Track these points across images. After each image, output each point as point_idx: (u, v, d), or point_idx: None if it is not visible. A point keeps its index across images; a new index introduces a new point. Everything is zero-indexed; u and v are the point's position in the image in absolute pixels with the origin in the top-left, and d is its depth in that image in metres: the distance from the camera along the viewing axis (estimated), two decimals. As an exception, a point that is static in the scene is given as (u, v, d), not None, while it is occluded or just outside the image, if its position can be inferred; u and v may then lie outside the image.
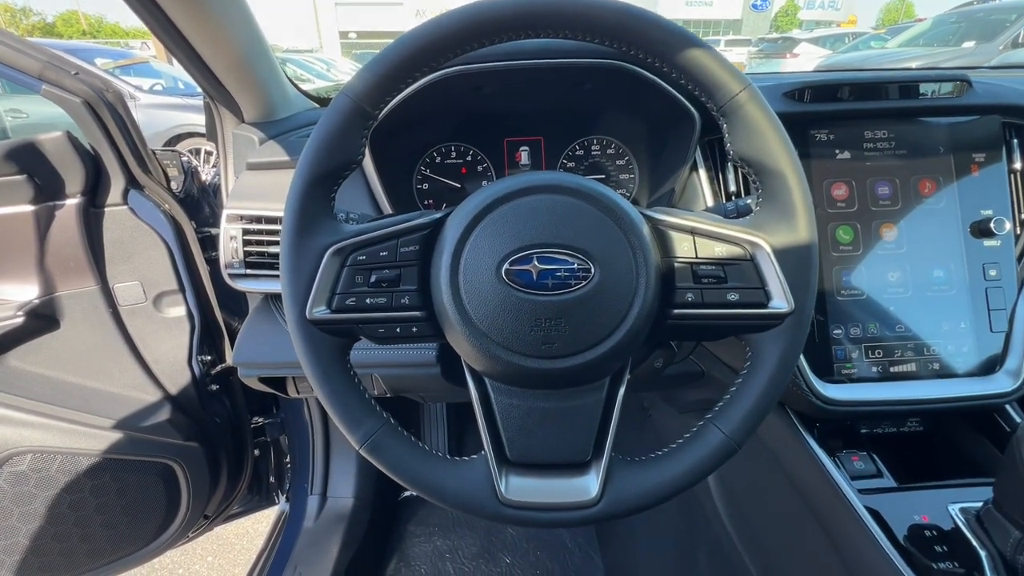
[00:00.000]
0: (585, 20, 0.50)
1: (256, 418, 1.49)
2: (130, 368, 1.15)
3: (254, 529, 1.81)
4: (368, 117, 0.54)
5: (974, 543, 0.62)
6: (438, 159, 0.99)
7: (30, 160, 0.95)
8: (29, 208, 0.98)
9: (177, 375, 1.21)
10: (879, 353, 0.80)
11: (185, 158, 1.15)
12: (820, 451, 0.77)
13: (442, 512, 1.65)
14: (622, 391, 0.56)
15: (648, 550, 1.35)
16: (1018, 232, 0.81)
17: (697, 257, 0.54)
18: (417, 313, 0.55)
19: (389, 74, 0.52)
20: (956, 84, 0.81)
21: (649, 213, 0.55)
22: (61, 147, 0.97)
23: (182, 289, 1.16)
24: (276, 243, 0.88)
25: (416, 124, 0.91)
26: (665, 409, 1.36)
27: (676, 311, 0.54)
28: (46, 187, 0.98)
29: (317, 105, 1.27)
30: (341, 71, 10.37)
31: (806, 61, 10.34)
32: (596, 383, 0.55)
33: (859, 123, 0.82)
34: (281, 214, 0.56)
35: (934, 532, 0.67)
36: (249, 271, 0.90)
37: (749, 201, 0.63)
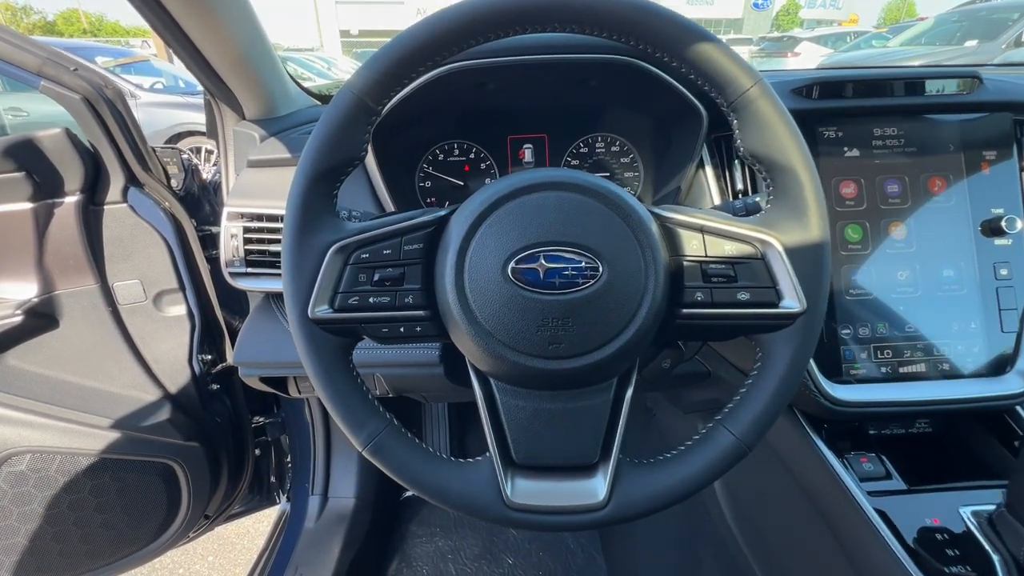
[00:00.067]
0: (593, 14, 0.49)
1: (257, 417, 1.48)
2: (130, 367, 1.14)
3: (255, 528, 1.81)
4: (371, 113, 0.53)
5: (987, 547, 0.61)
6: (441, 156, 0.98)
7: (29, 157, 0.94)
8: (28, 206, 0.97)
9: (177, 374, 1.19)
10: (888, 353, 0.79)
11: (185, 155, 1.14)
12: (828, 452, 0.76)
13: (444, 512, 1.64)
14: (630, 392, 0.55)
15: (651, 551, 1.34)
16: None
17: (706, 256, 0.53)
18: (421, 312, 0.54)
19: (393, 69, 0.51)
20: (967, 80, 0.80)
21: (657, 211, 0.54)
22: (60, 144, 0.96)
23: (182, 288, 1.15)
24: (277, 241, 0.87)
25: (418, 121, 0.90)
26: (669, 409, 1.35)
27: (685, 311, 0.53)
28: (45, 184, 0.97)
29: (319, 102, 1.26)
30: (342, 70, 10.35)
31: (807, 60, 10.31)
32: (603, 384, 0.54)
33: (868, 120, 0.81)
34: (282, 212, 0.55)
35: (945, 535, 0.66)
36: (250, 270, 0.90)
37: (758, 199, 0.62)
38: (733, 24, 39.94)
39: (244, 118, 1.07)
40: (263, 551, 1.50)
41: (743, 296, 0.52)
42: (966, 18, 6.77)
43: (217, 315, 1.22)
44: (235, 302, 1.25)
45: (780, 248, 0.52)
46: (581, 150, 0.98)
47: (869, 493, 0.71)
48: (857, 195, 0.80)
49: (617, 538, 1.47)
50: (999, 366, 0.78)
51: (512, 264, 0.50)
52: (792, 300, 0.51)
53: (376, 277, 0.53)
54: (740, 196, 0.83)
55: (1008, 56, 5.65)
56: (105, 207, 1.05)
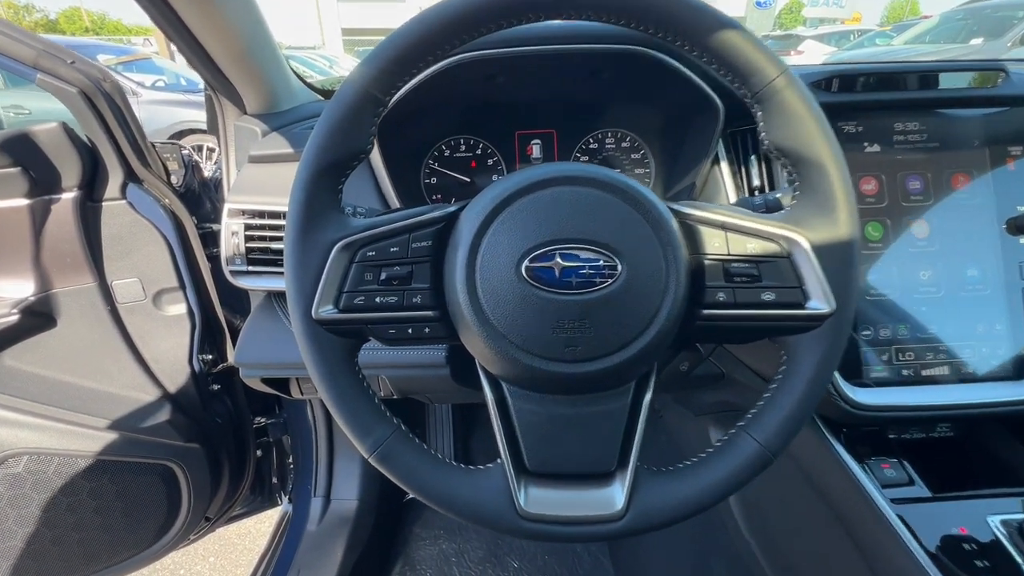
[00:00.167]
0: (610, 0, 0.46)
1: (258, 418, 1.46)
2: (129, 367, 1.12)
3: (256, 529, 1.79)
4: (378, 104, 0.50)
5: (1017, 558, 0.59)
6: (447, 152, 0.96)
7: (24, 152, 0.92)
8: (24, 202, 0.95)
9: (177, 374, 1.17)
10: (910, 356, 0.76)
11: (186, 151, 1.12)
12: (849, 458, 0.73)
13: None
14: (648, 396, 0.52)
15: (660, 557, 1.32)
16: None
17: (729, 254, 0.51)
18: (430, 313, 0.52)
19: (401, 58, 0.48)
20: (992, 74, 0.78)
21: (676, 207, 0.51)
22: (57, 139, 0.93)
23: (182, 286, 1.13)
24: (279, 239, 0.85)
25: (424, 115, 0.88)
26: (678, 411, 1.32)
27: (706, 311, 0.51)
28: (41, 180, 0.95)
29: (321, 98, 1.24)
30: (344, 68, 10.33)
31: (811, 59, 10.27)
32: (621, 388, 0.52)
33: (889, 115, 0.78)
34: (285, 208, 0.52)
35: (973, 545, 0.63)
36: (251, 268, 0.87)
37: (779, 195, 0.60)
38: (735, 22, 39.66)
39: (245, 113, 1.04)
40: (264, 553, 1.48)
41: (768, 296, 0.50)
42: (971, 16, 6.72)
43: (218, 314, 1.20)
44: (236, 301, 1.23)
45: (807, 246, 0.49)
46: (591, 146, 0.96)
47: (892, 500, 0.69)
48: (878, 192, 0.77)
49: (625, 543, 1.45)
50: None
51: (526, 262, 0.47)
52: (820, 301, 0.49)
53: (383, 276, 0.51)
54: (756, 193, 0.80)
55: (1014, 54, 5.61)
56: (103, 204, 1.03)
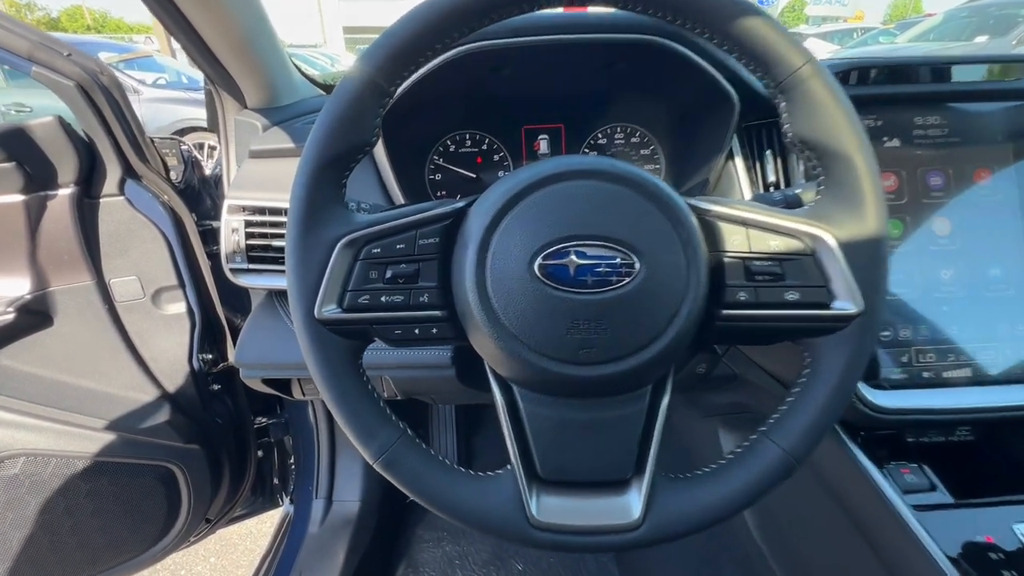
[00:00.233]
0: None
1: (259, 418, 1.44)
2: (127, 367, 1.10)
3: (258, 529, 1.77)
4: (384, 94, 0.48)
5: None
6: (452, 147, 0.94)
7: (19, 147, 0.90)
8: (19, 198, 0.93)
9: (177, 374, 1.15)
10: (930, 357, 0.74)
11: (185, 147, 1.10)
12: (868, 463, 0.71)
13: None
14: (666, 400, 0.50)
15: (668, 561, 1.30)
16: None
17: (750, 251, 0.48)
18: (437, 312, 0.50)
19: (409, 45, 0.46)
20: (1015, 66, 0.75)
21: (695, 202, 0.49)
22: (53, 133, 0.91)
23: (182, 284, 1.11)
24: (281, 236, 0.83)
25: (429, 109, 0.85)
26: (684, 412, 1.30)
27: (726, 312, 0.49)
28: (37, 176, 0.93)
29: (323, 92, 1.22)
30: (345, 67, 10.30)
31: (814, 57, 10.20)
32: (637, 392, 0.50)
33: (909, 108, 0.76)
34: (286, 205, 0.50)
35: (1000, 555, 0.61)
36: (252, 266, 0.85)
37: (799, 191, 0.58)
38: (738, 21, 39.54)
39: (246, 107, 1.02)
40: (265, 555, 1.46)
41: (791, 296, 0.48)
42: (976, 14, 6.68)
43: (218, 313, 1.18)
44: (237, 299, 1.21)
45: (833, 243, 0.47)
46: (599, 141, 0.94)
47: (914, 507, 0.67)
48: (897, 188, 0.75)
49: None
50: None
51: (539, 260, 0.45)
52: (846, 301, 0.47)
53: (388, 274, 0.49)
54: (772, 189, 0.78)
55: (1020, 53, 5.57)
56: (101, 200, 1.01)
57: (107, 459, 1.07)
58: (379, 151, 0.82)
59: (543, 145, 0.94)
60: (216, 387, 1.24)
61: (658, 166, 0.93)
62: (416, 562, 1.50)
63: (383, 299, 0.49)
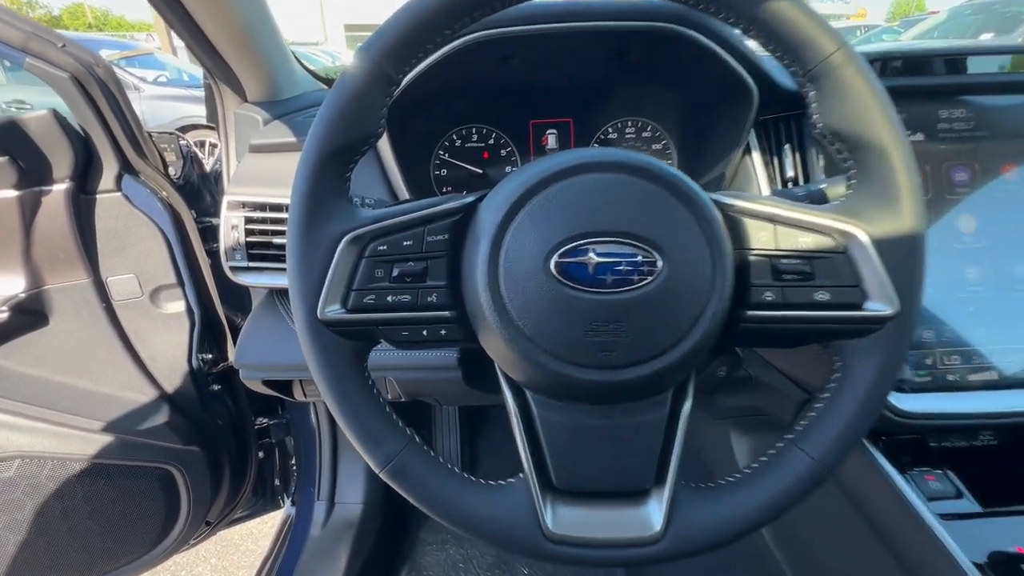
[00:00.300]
0: None
1: (260, 419, 1.42)
2: (125, 367, 1.08)
3: (259, 530, 1.75)
4: (391, 83, 0.45)
5: None
6: (458, 142, 0.91)
7: (12, 140, 0.87)
8: (13, 193, 0.90)
9: (176, 374, 1.13)
10: (955, 360, 0.71)
11: (184, 142, 1.07)
12: (892, 469, 0.68)
13: None
14: (688, 406, 0.48)
15: (678, 568, 1.27)
16: None
17: (778, 249, 0.46)
18: (446, 313, 0.47)
19: (418, 30, 0.44)
20: None
21: (718, 197, 0.46)
22: (47, 127, 0.89)
23: (181, 283, 1.08)
24: (282, 233, 0.80)
25: (435, 102, 0.83)
26: (694, 414, 1.27)
27: (751, 313, 0.46)
28: (31, 171, 0.90)
29: (325, 87, 1.19)
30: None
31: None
32: (658, 397, 0.47)
33: (934, 101, 0.73)
34: (287, 200, 0.48)
35: None
36: (252, 264, 0.83)
37: (824, 186, 0.55)
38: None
39: (246, 100, 0.99)
40: (266, 558, 1.44)
41: (821, 296, 0.45)
42: (980, 12, 6.64)
43: (218, 312, 1.16)
44: (237, 298, 1.18)
45: (866, 240, 0.44)
46: (609, 135, 0.91)
47: (940, 516, 0.64)
48: (921, 184, 0.72)
49: None
50: None
51: (556, 257, 0.43)
52: (880, 302, 0.44)
53: (395, 272, 0.46)
54: (790, 185, 0.75)
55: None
56: (97, 196, 0.98)
57: (104, 461, 1.05)
58: (383, 145, 0.80)
59: (551, 140, 0.91)
60: (216, 387, 1.22)
61: (670, 161, 0.91)
62: (419, 565, 1.48)
63: (389, 299, 0.47)
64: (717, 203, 0.46)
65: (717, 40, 0.70)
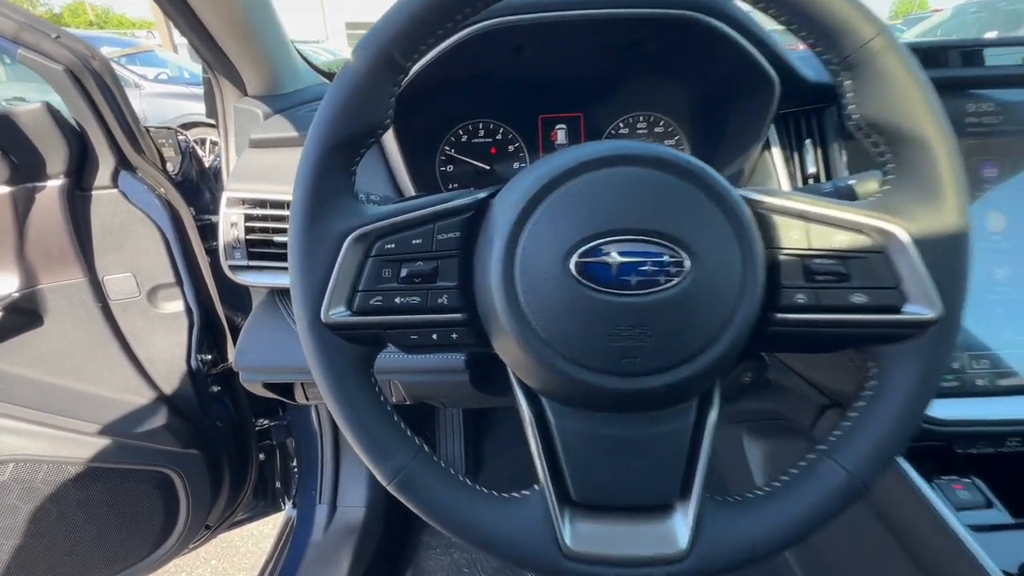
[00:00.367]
0: None
1: (261, 420, 1.40)
2: (122, 368, 1.05)
3: (260, 531, 1.73)
4: (399, 70, 0.43)
5: None
6: (464, 137, 0.89)
7: (4, 135, 0.85)
8: (5, 190, 0.88)
9: (174, 376, 1.11)
10: (984, 363, 0.68)
11: (182, 137, 1.05)
12: (918, 477, 0.66)
13: None
14: (714, 415, 0.45)
15: None
16: None
17: (810, 248, 0.43)
18: (458, 316, 0.45)
19: (429, 12, 0.41)
20: None
21: (745, 193, 0.44)
22: (40, 121, 0.86)
23: (179, 282, 1.06)
24: (283, 231, 0.78)
25: (442, 95, 0.80)
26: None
27: (780, 316, 0.43)
28: (24, 166, 0.88)
29: (328, 81, 1.16)
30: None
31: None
32: (683, 405, 0.44)
33: (960, 95, 0.70)
34: (289, 197, 0.45)
35: None
36: (252, 262, 0.81)
37: (852, 182, 0.52)
38: (742, 17, 39.56)
39: (246, 94, 0.97)
40: (267, 562, 1.41)
41: (858, 299, 0.42)
42: (985, 9, 6.60)
43: (218, 311, 1.14)
44: (237, 298, 1.16)
45: (907, 239, 0.41)
46: (620, 131, 0.88)
47: (971, 527, 0.61)
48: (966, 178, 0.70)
49: None
50: None
51: (576, 257, 0.40)
52: (921, 304, 0.41)
53: (403, 273, 0.44)
54: (811, 181, 0.73)
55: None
56: (93, 192, 0.96)
57: (101, 465, 1.03)
58: (388, 139, 0.77)
59: (560, 135, 0.89)
60: (216, 389, 1.20)
61: None
62: (423, 570, 1.45)
63: (397, 301, 0.44)
64: (745, 199, 0.43)
65: (739, 28, 0.67)
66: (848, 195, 0.51)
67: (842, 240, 0.43)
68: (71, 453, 1.01)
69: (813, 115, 0.73)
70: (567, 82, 0.84)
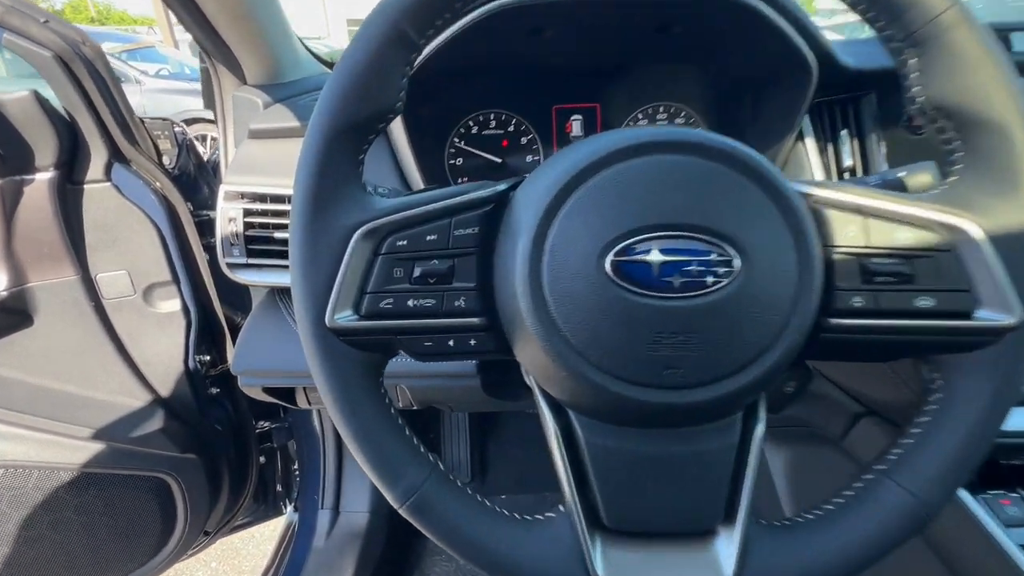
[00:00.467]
0: None
1: (261, 422, 1.36)
2: (117, 370, 1.02)
3: (261, 533, 1.68)
4: (412, 48, 0.39)
5: None
6: (475, 129, 0.85)
7: None
8: None
9: (171, 378, 1.07)
10: None
11: (179, 128, 1.00)
12: (964, 491, 0.61)
13: None
14: (760, 429, 0.40)
15: None
16: None
17: (869, 246, 0.39)
18: (476, 320, 0.41)
19: None
20: None
21: (798, 186, 0.39)
22: (28, 109, 0.82)
23: (176, 280, 1.02)
24: (284, 226, 0.74)
25: (452, 83, 0.76)
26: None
27: (834, 321, 0.39)
28: (11, 158, 0.84)
29: (330, 71, 1.12)
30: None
31: (826, 49, 10.12)
32: (726, 420, 0.40)
33: None
34: (290, 191, 0.41)
35: None
36: (252, 260, 0.76)
37: (901, 175, 0.48)
38: (745, 14, 39.43)
39: (245, 83, 0.93)
40: (268, 567, 1.38)
41: (924, 303, 0.38)
42: (992, 6, 6.54)
43: (216, 311, 1.10)
44: (237, 296, 1.12)
45: (979, 236, 0.37)
46: (639, 122, 0.84)
47: (1022, 546, 0.57)
48: None
49: None
50: None
51: (612, 256, 0.35)
52: (996, 309, 0.37)
53: (417, 272, 0.40)
54: (847, 175, 0.68)
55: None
56: (85, 186, 0.92)
57: (95, 470, 1.00)
58: (396, 130, 0.73)
59: (575, 127, 0.85)
60: (214, 391, 1.16)
61: None
62: None
63: (410, 303, 0.40)
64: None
65: (778, 8, 0.62)
66: (898, 189, 0.46)
67: (905, 237, 0.38)
68: (63, 458, 0.97)
69: (850, 104, 0.69)
70: (584, 70, 0.80)
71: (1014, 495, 0.62)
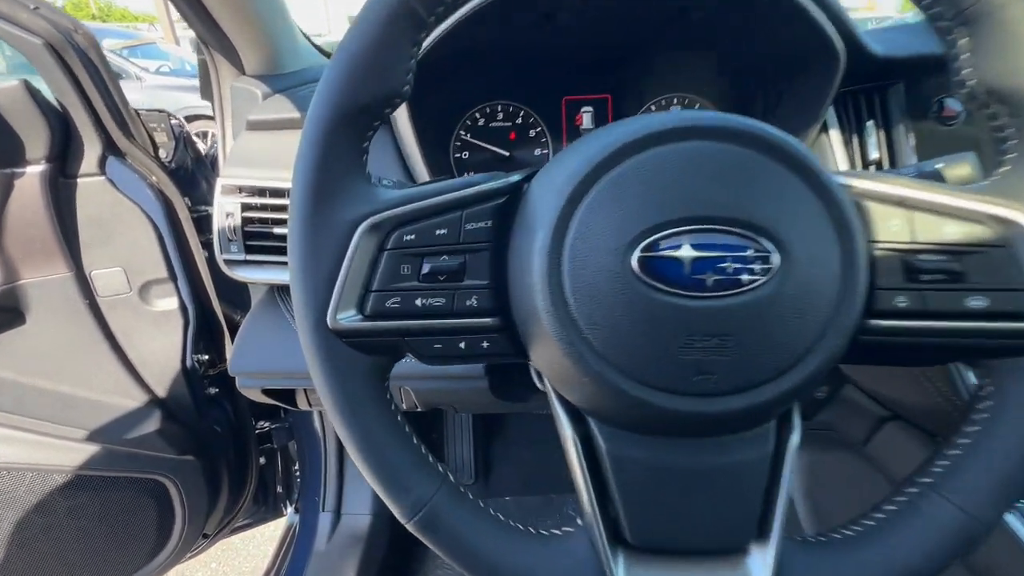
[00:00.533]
0: None
1: (261, 423, 1.34)
2: (112, 370, 1.00)
3: (260, 534, 1.66)
4: (420, 26, 0.36)
5: None
6: (481, 121, 0.82)
7: None
8: None
9: (168, 378, 1.05)
10: None
11: (175, 121, 0.98)
12: None
13: None
14: (795, 438, 0.37)
15: None
16: None
17: (914, 242, 0.35)
18: (489, 321, 0.38)
19: None
20: None
21: (838, 177, 0.36)
22: (18, 100, 0.80)
23: (173, 277, 1.00)
24: (283, 221, 0.71)
25: (458, 72, 0.74)
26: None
27: (876, 323, 0.36)
28: (1, 151, 0.82)
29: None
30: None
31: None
32: (760, 429, 0.37)
33: None
34: (290, 185, 0.38)
35: None
36: (250, 256, 0.74)
37: (939, 166, 0.45)
38: (748, 11, 39.41)
39: (244, 73, 0.90)
40: (268, 570, 1.36)
41: (976, 303, 0.35)
42: None
43: (215, 309, 1.08)
44: (236, 294, 1.10)
45: None
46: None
47: None
48: None
49: None
50: None
51: (639, 251, 0.32)
52: None
53: (426, 269, 0.37)
54: (872, 168, 0.65)
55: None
56: (78, 180, 0.90)
57: (90, 472, 0.98)
58: (400, 120, 0.70)
59: (586, 119, 0.82)
60: (213, 391, 1.14)
61: None
62: None
63: (418, 303, 0.37)
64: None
65: None
66: (936, 180, 0.44)
67: (954, 232, 0.35)
68: (57, 460, 0.95)
69: (876, 94, 0.66)
70: (596, 59, 0.77)
71: None
